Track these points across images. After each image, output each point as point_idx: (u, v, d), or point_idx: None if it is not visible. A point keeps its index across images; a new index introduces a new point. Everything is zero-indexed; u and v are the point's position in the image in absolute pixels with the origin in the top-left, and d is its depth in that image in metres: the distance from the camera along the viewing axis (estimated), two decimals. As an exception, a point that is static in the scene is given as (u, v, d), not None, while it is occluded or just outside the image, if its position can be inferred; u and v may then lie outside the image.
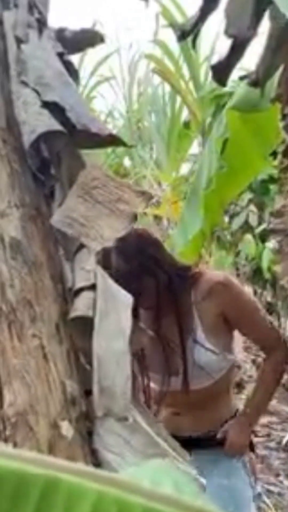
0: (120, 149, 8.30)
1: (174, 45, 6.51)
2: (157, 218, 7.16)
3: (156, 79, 7.46)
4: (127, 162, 8.30)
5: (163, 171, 7.27)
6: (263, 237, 4.97)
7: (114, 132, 1.18)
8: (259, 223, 5.08)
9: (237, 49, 1.49)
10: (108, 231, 1.05)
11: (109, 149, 8.21)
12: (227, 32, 1.43)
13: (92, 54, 7.68)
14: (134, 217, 1.06)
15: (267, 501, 3.31)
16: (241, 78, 1.63)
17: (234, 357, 1.91)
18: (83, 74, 7.69)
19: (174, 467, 0.37)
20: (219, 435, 1.91)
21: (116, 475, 0.33)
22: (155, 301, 1.77)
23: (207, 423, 1.92)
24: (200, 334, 1.80)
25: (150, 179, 7.35)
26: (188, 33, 1.52)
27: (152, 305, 1.76)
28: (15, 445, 1.01)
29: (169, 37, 6.49)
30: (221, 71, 1.53)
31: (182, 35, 1.54)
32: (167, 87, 7.10)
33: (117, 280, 1.65)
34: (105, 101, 8.33)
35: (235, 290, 1.91)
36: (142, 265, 1.73)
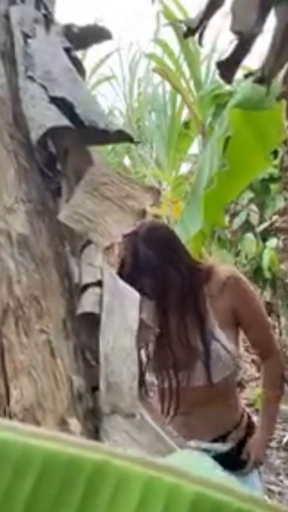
0: (120, 148, 8.30)
1: (174, 44, 6.51)
2: (157, 217, 7.16)
3: (157, 78, 7.46)
4: (127, 161, 8.31)
5: (163, 170, 7.26)
6: (263, 236, 4.98)
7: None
8: (260, 222, 5.09)
9: (242, 46, 1.49)
10: (116, 227, 1.05)
11: (109, 148, 8.21)
12: (232, 29, 1.42)
13: (93, 53, 7.69)
14: (142, 213, 1.06)
15: (268, 500, 3.31)
16: (246, 76, 1.63)
17: (239, 354, 1.92)
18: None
19: (202, 459, 0.37)
20: (243, 456, 1.92)
21: (166, 462, 0.33)
22: (179, 295, 1.77)
23: (218, 423, 1.92)
24: (218, 330, 1.81)
25: (150, 178, 7.35)
26: (194, 30, 1.52)
27: (176, 298, 1.77)
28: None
29: (170, 36, 6.50)
30: (226, 68, 1.53)
31: (188, 32, 1.53)
32: (168, 87, 7.10)
33: (145, 271, 1.66)
34: (105, 100, 8.33)
35: (246, 285, 1.93)
36: (169, 258, 1.74)
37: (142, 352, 1.73)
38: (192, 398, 1.87)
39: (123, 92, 8.21)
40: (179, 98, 6.82)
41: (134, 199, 1.05)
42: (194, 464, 0.34)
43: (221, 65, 1.51)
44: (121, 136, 1.15)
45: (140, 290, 1.70)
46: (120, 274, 1.70)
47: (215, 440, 1.90)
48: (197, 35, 1.66)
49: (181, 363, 1.80)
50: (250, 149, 2.44)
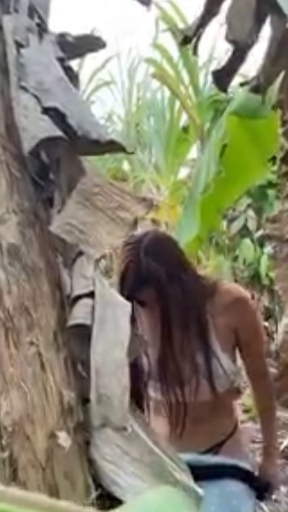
0: (118, 153, 8.30)
1: (173, 49, 6.52)
2: (155, 222, 7.15)
3: (155, 83, 7.47)
4: (126, 166, 8.30)
5: (161, 175, 7.27)
6: (261, 242, 4.97)
7: (114, 137, 1.16)
8: (258, 228, 5.09)
9: (238, 55, 1.49)
10: (107, 238, 1.04)
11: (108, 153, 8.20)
12: (228, 38, 1.42)
13: (92, 59, 7.69)
14: (134, 224, 1.05)
15: (264, 507, 3.29)
16: (242, 84, 1.63)
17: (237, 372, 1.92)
18: (82, 78, 7.69)
19: (178, 496, 0.36)
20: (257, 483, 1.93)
21: None
22: (182, 308, 1.74)
23: (210, 436, 1.91)
24: (216, 346, 1.79)
25: (148, 183, 7.35)
26: (190, 38, 1.51)
27: (179, 312, 1.74)
28: (11, 455, 0.99)
29: (169, 41, 6.51)
30: (222, 76, 1.53)
31: (184, 40, 1.53)
32: (166, 92, 7.10)
33: (148, 282, 1.64)
34: (104, 105, 8.33)
35: (254, 308, 1.94)
36: (174, 270, 1.72)
37: (144, 363, 1.72)
38: (195, 415, 1.85)
39: (122, 97, 8.22)
40: (177, 103, 6.83)
41: (125, 210, 1.04)
42: (163, 506, 0.33)
43: (216, 74, 1.51)
44: (113, 146, 1.14)
45: (143, 301, 1.70)
46: (122, 283, 1.69)
47: (209, 450, 1.89)
48: (193, 43, 1.66)
49: (185, 377, 1.79)
50: (246, 155, 2.45)
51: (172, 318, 1.74)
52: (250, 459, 2.16)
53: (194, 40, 1.53)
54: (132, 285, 1.64)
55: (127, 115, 8.11)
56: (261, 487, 1.95)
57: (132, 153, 5.59)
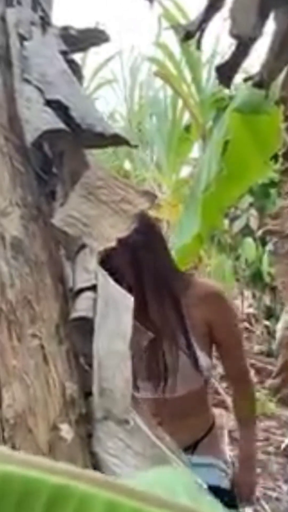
0: (120, 151, 8.30)
1: (176, 48, 6.51)
2: (157, 220, 7.15)
3: (158, 82, 7.46)
4: (127, 164, 8.30)
5: (163, 174, 7.26)
6: (263, 241, 4.97)
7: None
8: (260, 227, 5.08)
9: (241, 50, 1.48)
10: (110, 231, 1.04)
11: (110, 151, 8.20)
12: (231, 32, 1.42)
13: (94, 56, 7.69)
14: (137, 217, 1.05)
15: (266, 506, 3.30)
16: (245, 80, 1.62)
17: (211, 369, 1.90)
18: (85, 76, 7.69)
19: (184, 474, 0.36)
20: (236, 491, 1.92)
21: (129, 484, 0.31)
22: (155, 280, 1.73)
23: (188, 433, 1.88)
24: (192, 340, 1.78)
25: (150, 181, 7.34)
26: (192, 34, 1.51)
27: (151, 287, 1.72)
28: (13, 447, 0.99)
29: (171, 40, 6.50)
30: (225, 72, 1.52)
31: (187, 36, 1.53)
32: (169, 90, 7.10)
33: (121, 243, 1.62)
34: (106, 104, 8.33)
35: (230, 305, 1.91)
36: (154, 247, 1.70)
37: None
38: (166, 411, 1.84)
39: (124, 96, 8.22)
40: (180, 101, 6.82)
41: (129, 203, 1.04)
42: (173, 482, 0.33)
43: (219, 69, 1.51)
44: (117, 140, 1.14)
45: (116, 267, 1.68)
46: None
47: (188, 447, 1.87)
48: (195, 40, 1.65)
49: (169, 369, 1.78)
50: (249, 153, 2.43)
51: (147, 292, 1.71)
52: (226, 455, 2.17)
53: (197, 35, 1.52)
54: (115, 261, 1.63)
55: (129, 114, 8.11)
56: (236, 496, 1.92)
57: (136, 146, 5.60)
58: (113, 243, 1.02)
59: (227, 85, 1.55)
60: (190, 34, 1.50)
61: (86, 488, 0.30)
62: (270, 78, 1.55)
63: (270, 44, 1.53)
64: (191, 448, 1.87)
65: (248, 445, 1.99)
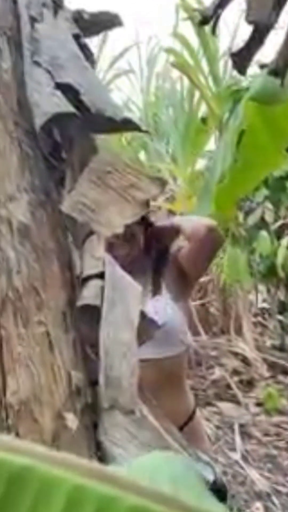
0: (135, 143, 8.26)
1: (193, 39, 6.45)
2: (172, 213, 7.11)
3: (175, 73, 7.40)
4: (142, 156, 8.25)
5: (178, 166, 7.21)
6: (278, 234, 4.92)
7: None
8: (275, 220, 5.03)
9: (257, 37, 1.45)
10: (118, 218, 1.02)
11: (125, 142, 8.17)
12: (247, 19, 1.39)
13: (111, 47, 7.65)
14: (146, 204, 1.03)
15: (276, 501, 3.27)
16: (261, 67, 1.58)
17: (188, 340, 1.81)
18: (101, 67, 7.65)
19: (175, 460, 0.34)
20: None
21: (106, 469, 0.30)
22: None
23: (172, 414, 1.82)
24: (170, 301, 1.74)
25: (165, 173, 7.30)
26: (208, 19, 1.48)
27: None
28: (17, 435, 0.98)
29: (189, 31, 6.44)
30: (240, 59, 1.49)
31: (203, 21, 1.50)
32: (186, 82, 7.03)
33: None
34: (122, 94, 8.29)
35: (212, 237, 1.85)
36: None
37: None
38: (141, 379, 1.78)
39: (141, 87, 8.16)
40: (197, 93, 6.77)
41: (138, 189, 1.02)
42: (163, 469, 0.31)
43: (235, 56, 1.48)
44: (128, 125, 1.11)
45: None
46: None
47: None
48: (211, 27, 1.62)
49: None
50: (264, 144, 2.39)
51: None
52: (208, 447, 2.03)
53: (213, 21, 1.49)
54: None
55: (145, 105, 8.06)
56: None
57: (147, 132, 5.56)
58: (120, 230, 1.00)
59: (243, 72, 1.51)
60: (205, 20, 1.46)
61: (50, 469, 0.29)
62: (286, 66, 1.51)
63: (286, 31, 1.49)
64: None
65: None
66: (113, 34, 7.58)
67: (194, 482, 0.33)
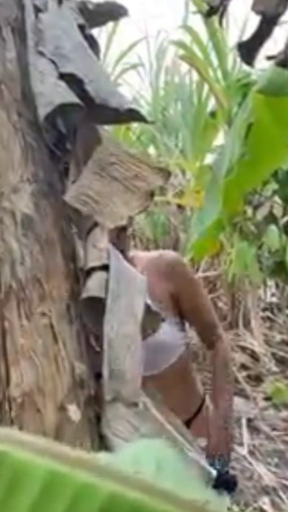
0: (145, 137, 8.23)
1: (203, 32, 6.42)
2: (181, 207, 7.09)
3: (184, 67, 7.37)
4: (152, 150, 8.23)
5: (187, 160, 7.19)
6: (287, 229, 4.89)
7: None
8: (284, 215, 5.00)
9: (265, 27, 1.43)
10: (122, 209, 1.01)
11: (134, 137, 8.15)
12: (254, 8, 1.37)
13: (120, 41, 7.62)
14: (151, 195, 1.02)
15: (283, 496, 3.26)
16: (269, 58, 1.56)
17: (186, 336, 1.82)
18: (110, 60, 7.63)
19: (165, 446, 0.33)
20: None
21: (82, 455, 0.29)
22: None
23: (178, 410, 1.81)
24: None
25: (174, 168, 7.28)
26: (215, 9, 1.46)
27: None
28: (20, 427, 0.98)
29: (198, 24, 6.41)
30: (248, 50, 1.47)
31: (210, 12, 1.48)
32: (195, 76, 7.00)
33: None
34: (131, 88, 8.26)
35: (187, 270, 1.83)
36: None
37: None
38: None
39: (150, 81, 8.13)
40: (206, 87, 6.74)
41: (142, 180, 1.01)
42: (148, 455, 0.31)
43: (241, 46, 1.46)
44: (133, 115, 1.10)
45: None
46: None
47: None
48: (218, 19, 1.61)
49: None
50: (272, 137, 2.37)
51: None
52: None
53: (220, 11, 1.47)
54: None
55: (154, 99, 8.03)
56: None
57: (153, 122, 5.54)
58: (124, 221, 0.99)
59: (250, 64, 1.49)
60: (212, 10, 1.45)
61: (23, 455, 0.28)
62: (295, 56, 1.49)
63: (295, 21, 1.47)
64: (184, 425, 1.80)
65: (221, 410, 1.79)
66: (122, 27, 7.56)
67: (178, 468, 0.32)
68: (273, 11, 1.41)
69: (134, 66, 8.12)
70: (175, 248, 6.28)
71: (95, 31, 1.34)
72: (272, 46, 1.58)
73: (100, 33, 7.44)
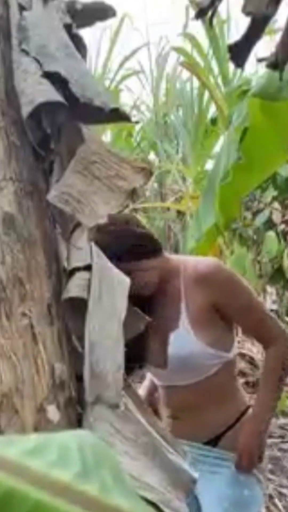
0: (145, 143, 8.25)
1: (203, 39, 6.43)
2: (180, 213, 7.09)
3: (185, 74, 7.39)
4: (152, 157, 8.24)
5: (188, 167, 7.19)
6: (286, 235, 4.88)
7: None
8: (283, 221, 4.99)
9: (255, 29, 1.43)
10: (103, 208, 1.00)
11: (134, 143, 8.16)
12: (244, 10, 1.36)
13: (121, 48, 7.64)
14: (131, 194, 1.01)
15: (279, 504, 3.24)
16: (260, 60, 1.56)
17: (229, 354, 1.76)
18: (112, 67, 7.65)
19: (86, 437, 0.32)
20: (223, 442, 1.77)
21: None
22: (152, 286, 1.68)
23: (208, 428, 1.79)
24: (186, 324, 1.69)
25: (174, 174, 7.29)
26: (205, 10, 1.45)
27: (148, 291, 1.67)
28: (-2, 428, 0.96)
29: (199, 31, 6.42)
30: (239, 51, 1.47)
31: (200, 13, 1.48)
32: (196, 83, 7.01)
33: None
34: (132, 95, 8.29)
35: (226, 278, 1.75)
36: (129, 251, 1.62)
37: None
38: (177, 400, 1.77)
39: (151, 87, 8.15)
40: (206, 94, 6.75)
41: (123, 179, 1.00)
42: (53, 443, 0.29)
43: (232, 48, 1.45)
44: (117, 115, 1.09)
45: None
46: None
47: (206, 443, 1.78)
48: (211, 21, 1.60)
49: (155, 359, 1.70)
50: (268, 141, 2.36)
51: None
52: None
53: (210, 13, 1.47)
54: None
55: (155, 105, 8.04)
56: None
57: (137, 122, 5.51)
58: (104, 220, 0.98)
59: (240, 65, 1.49)
60: (202, 11, 1.44)
61: None
62: (285, 59, 1.49)
63: (286, 24, 1.47)
64: (212, 441, 1.77)
65: (261, 408, 1.78)
66: (124, 34, 7.58)
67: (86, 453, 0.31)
68: (262, 13, 1.41)
69: (135, 72, 8.15)
70: (175, 253, 6.26)
71: (97, 38, 1.34)
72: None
73: (102, 39, 7.48)
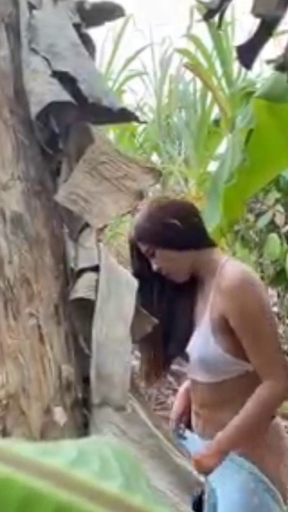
0: (148, 145, 8.23)
1: (208, 41, 6.43)
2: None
3: (188, 76, 7.38)
4: (155, 158, 8.22)
5: (190, 168, 7.19)
6: (288, 238, 4.86)
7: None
8: (286, 223, 4.97)
9: (264, 30, 1.42)
10: (111, 208, 0.99)
11: (137, 144, 8.14)
12: (253, 11, 1.36)
13: (125, 49, 7.63)
14: (140, 194, 1.00)
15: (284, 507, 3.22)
16: (268, 62, 1.55)
17: (248, 365, 1.69)
18: (115, 68, 7.64)
19: (115, 445, 0.31)
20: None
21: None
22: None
23: (213, 428, 1.76)
24: (208, 326, 1.68)
25: (177, 175, 7.28)
26: (214, 11, 1.45)
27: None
28: (4, 429, 0.96)
29: (203, 32, 6.41)
30: (247, 52, 1.46)
31: (208, 14, 1.47)
32: (199, 84, 7.01)
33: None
34: (136, 96, 8.27)
35: (248, 294, 1.64)
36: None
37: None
38: (198, 397, 1.78)
39: (154, 88, 8.13)
40: (210, 95, 6.74)
41: (132, 180, 1.00)
42: (93, 453, 0.29)
43: (240, 49, 1.45)
44: (125, 115, 1.09)
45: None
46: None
47: None
48: (219, 22, 1.59)
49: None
50: (273, 143, 2.35)
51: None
52: (264, 459, 1.94)
53: (219, 13, 1.46)
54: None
55: (158, 107, 8.03)
56: None
57: (145, 122, 5.51)
58: (112, 220, 0.98)
59: (248, 66, 1.49)
60: (211, 12, 1.44)
61: None
62: (294, 60, 1.48)
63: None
64: None
65: (228, 439, 1.63)
66: (128, 35, 7.58)
67: (124, 466, 0.30)
68: (272, 14, 1.40)
69: (139, 74, 8.14)
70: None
71: (101, 39, 1.34)
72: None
73: (106, 40, 7.47)
